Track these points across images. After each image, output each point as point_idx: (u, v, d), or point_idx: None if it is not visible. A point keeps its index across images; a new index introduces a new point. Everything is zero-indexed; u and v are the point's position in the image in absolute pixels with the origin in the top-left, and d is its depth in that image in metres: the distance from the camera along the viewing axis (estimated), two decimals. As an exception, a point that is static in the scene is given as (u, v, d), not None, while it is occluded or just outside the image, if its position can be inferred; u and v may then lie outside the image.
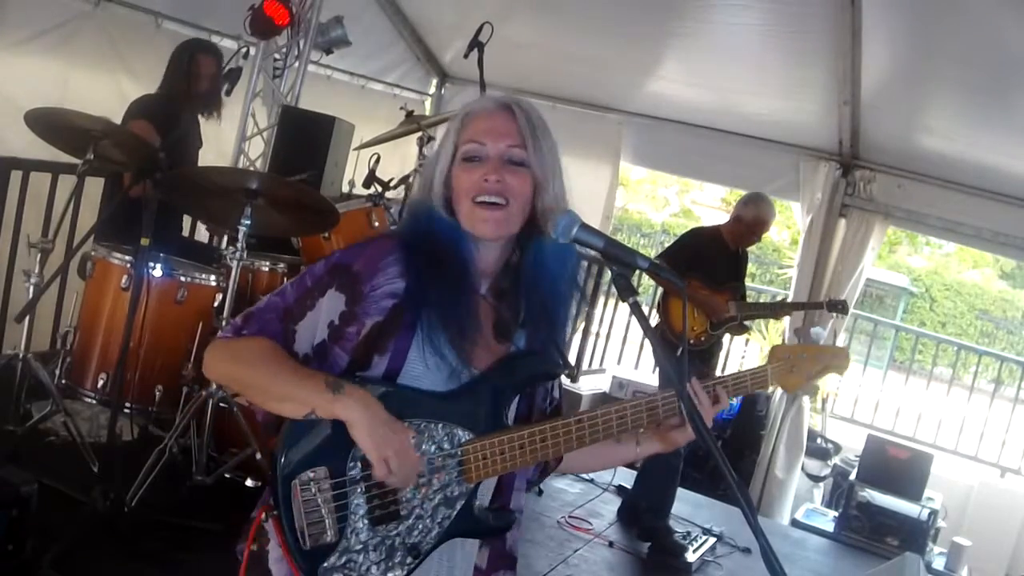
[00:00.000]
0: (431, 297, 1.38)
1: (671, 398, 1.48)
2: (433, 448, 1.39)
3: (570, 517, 4.40)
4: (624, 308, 1.40)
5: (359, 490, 1.35)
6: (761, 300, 7.78)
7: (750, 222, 4.40)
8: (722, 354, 7.17)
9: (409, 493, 1.38)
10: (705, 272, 4.30)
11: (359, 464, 1.35)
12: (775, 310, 5.18)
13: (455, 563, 1.48)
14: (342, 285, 1.40)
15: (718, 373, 5.03)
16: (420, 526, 1.40)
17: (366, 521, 1.36)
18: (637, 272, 1.39)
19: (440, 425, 1.39)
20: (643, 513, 4.36)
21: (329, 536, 1.34)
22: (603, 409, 1.45)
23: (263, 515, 1.37)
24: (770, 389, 1.58)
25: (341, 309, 1.40)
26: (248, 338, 1.40)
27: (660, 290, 4.61)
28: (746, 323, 4.56)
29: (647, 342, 6.03)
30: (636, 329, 5.99)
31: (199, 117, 4.14)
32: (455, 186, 1.42)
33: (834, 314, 4.87)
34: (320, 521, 1.33)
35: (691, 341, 4.29)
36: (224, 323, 3.24)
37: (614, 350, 6.93)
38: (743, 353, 7.92)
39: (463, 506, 1.42)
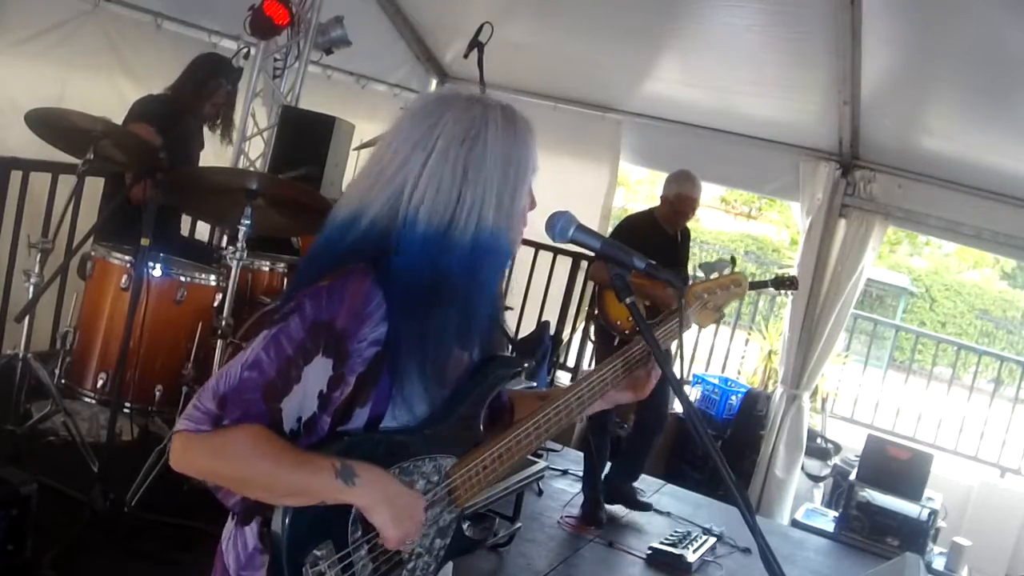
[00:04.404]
0: (415, 332, 1.27)
1: (618, 368, 1.52)
2: (423, 484, 1.35)
3: (570, 517, 4.41)
4: (623, 308, 1.41)
5: (363, 552, 1.30)
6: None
7: (673, 200, 4.40)
8: (723, 353, 7.24)
9: (418, 540, 1.36)
10: None
11: (360, 525, 1.29)
12: None
13: None
14: (328, 348, 1.23)
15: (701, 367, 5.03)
16: (420, 563, 1.38)
17: None
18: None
19: (426, 459, 1.35)
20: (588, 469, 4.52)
21: None
22: (564, 398, 1.46)
23: None
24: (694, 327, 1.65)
25: (329, 375, 1.25)
26: (231, 429, 1.19)
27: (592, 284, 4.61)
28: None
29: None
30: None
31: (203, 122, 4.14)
32: (520, 209, 1.34)
33: (784, 292, 4.76)
34: None
35: (627, 332, 4.30)
36: (223, 324, 3.23)
37: (614, 350, 6.92)
38: (743, 353, 7.91)
39: (455, 531, 1.41)
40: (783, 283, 4.59)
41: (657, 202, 4.58)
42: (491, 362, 1.44)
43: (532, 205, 1.38)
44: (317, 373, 1.23)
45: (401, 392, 1.30)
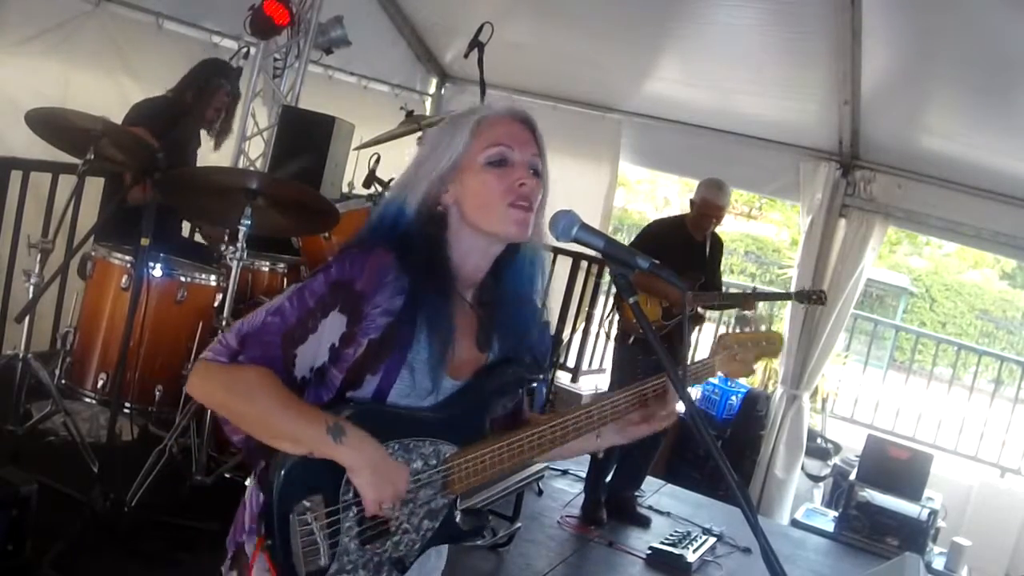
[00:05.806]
0: (426, 313, 1.36)
1: (631, 397, 1.53)
2: (421, 464, 1.40)
3: (570, 517, 4.41)
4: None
5: (351, 513, 1.36)
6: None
7: (700, 205, 4.41)
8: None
9: (397, 511, 1.39)
10: (663, 261, 4.23)
11: (351, 488, 1.35)
12: (738, 300, 4.88)
13: (428, 569, 1.51)
14: (345, 306, 1.33)
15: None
16: (406, 540, 1.42)
17: (357, 542, 1.37)
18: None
19: (427, 441, 1.40)
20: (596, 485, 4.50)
21: (323, 561, 1.34)
22: (574, 413, 1.48)
23: (260, 547, 1.35)
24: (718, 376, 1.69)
25: (342, 331, 1.35)
26: (245, 367, 1.30)
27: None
28: (701, 312, 4.54)
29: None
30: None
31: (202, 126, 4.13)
32: (479, 189, 1.38)
33: (810, 305, 4.72)
34: (315, 547, 1.33)
35: (640, 331, 4.27)
36: (223, 324, 3.24)
37: (614, 350, 6.91)
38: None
39: (445, 516, 1.45)
40: (808, 297, 4.55)
41: (655, 204, 4.60)
42: (506, 363, 1.49)
43: None
44: (332, 326, 1.34)
45: (411, 371, 1.37)
